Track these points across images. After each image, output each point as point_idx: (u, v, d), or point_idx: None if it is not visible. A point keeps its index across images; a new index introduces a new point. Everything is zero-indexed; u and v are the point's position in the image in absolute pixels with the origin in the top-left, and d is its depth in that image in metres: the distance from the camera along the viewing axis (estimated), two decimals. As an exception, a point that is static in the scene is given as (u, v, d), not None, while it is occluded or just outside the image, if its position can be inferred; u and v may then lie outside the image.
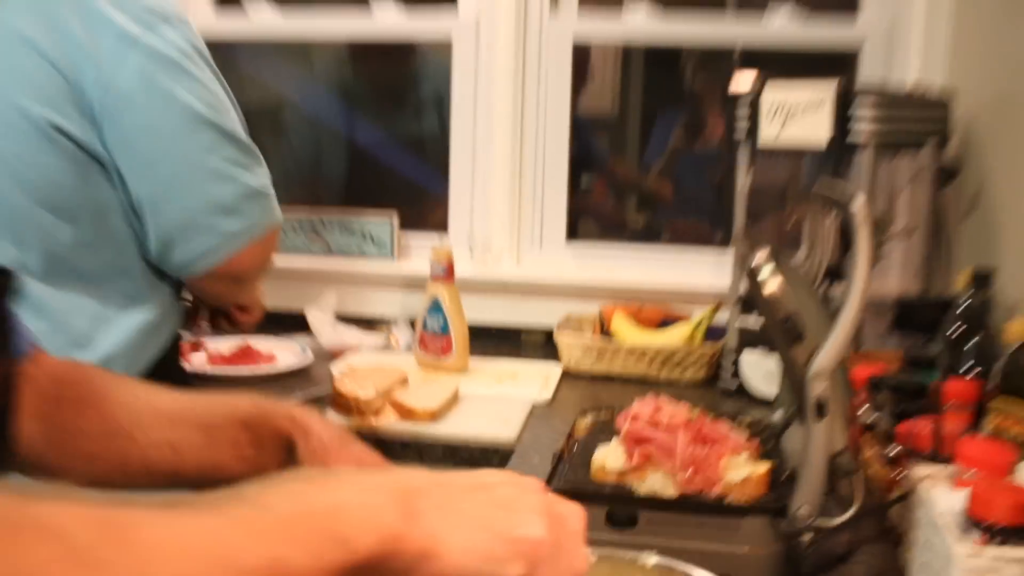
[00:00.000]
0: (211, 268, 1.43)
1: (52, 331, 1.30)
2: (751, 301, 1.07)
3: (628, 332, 2.08)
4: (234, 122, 1.45)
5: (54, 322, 1.33)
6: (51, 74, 1.30)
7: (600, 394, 1.94)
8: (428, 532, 0.57)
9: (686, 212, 2.85)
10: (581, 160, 2.58)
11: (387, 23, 2.43)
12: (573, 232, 2.43)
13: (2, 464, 0.82)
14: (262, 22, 2.48)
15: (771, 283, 1.06)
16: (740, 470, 1.14)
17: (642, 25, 2.31)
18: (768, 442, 1.27)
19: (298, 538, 0.51)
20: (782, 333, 1.06)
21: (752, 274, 1.07)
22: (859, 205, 1.06)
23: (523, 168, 2.35)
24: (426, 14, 2.40)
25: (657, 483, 1.13)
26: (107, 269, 1.41)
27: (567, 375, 2.06)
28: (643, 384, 2.02)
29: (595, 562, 0.86)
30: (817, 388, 1.05)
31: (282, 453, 0.98)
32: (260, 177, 1.46)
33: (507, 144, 2.32)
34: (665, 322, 2.15)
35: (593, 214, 2.81)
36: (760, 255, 1.08)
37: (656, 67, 2.95)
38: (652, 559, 0.89)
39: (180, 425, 0.97)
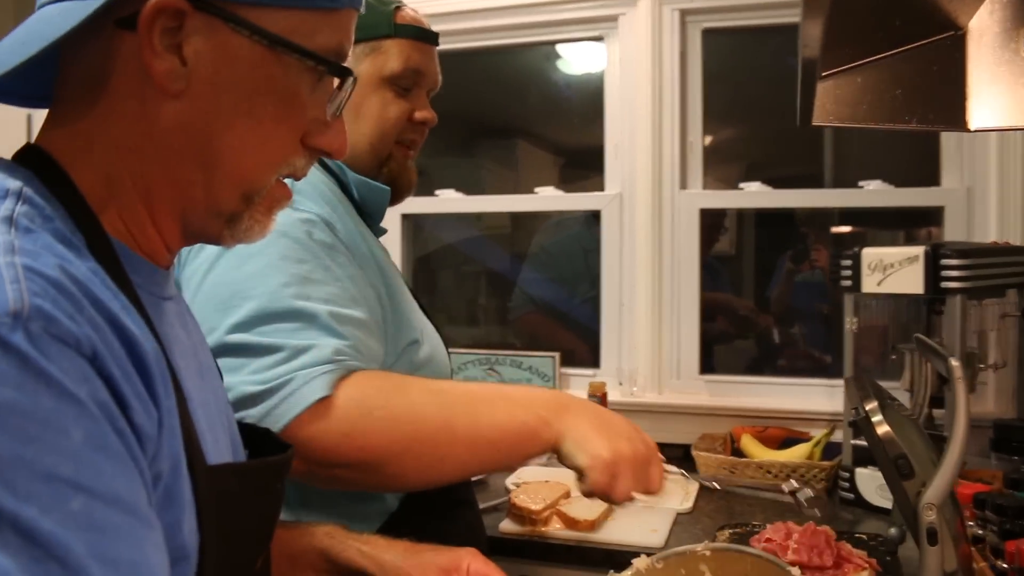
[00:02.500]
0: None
1: None
2: (867, 442, 1.05)
3: (755, 449, 2.04)
4: (255, 316, 1.05)
5: None
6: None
7: (734, 505, 1.89)
8: None
9: (798, 340, 2.80)
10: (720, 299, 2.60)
11: (548, 199, 2.52)
12: (708, 365, 2.41)
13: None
14: (449, 201, 2.62)
15: (881, 427, 1.04)
16: (863, 586, 1.10)
17: (755, 196, 2.34)
18: (883, 557, 1.23)
19: None
20: (894, 470, 1.03)
21: (865, 419, 1.06)
22: (954, 365, 1.04)
23: (662, 313, 2.37)
24: (579, 191, 2.48)
25: (790, 597, 1.10)
26: None
27: (704, 487, 2.02)
28: (770, 495, 1.96)
29: (661, 568, 0.83)
30: (928, 518, 1.02)
31: None
32: (258, 376, 1.02)
33: (648, 294, 2.35)
34: (787, 441, 2.10)
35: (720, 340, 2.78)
36: (871, 404, 1.06)
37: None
38: (707, 549, 0.84)
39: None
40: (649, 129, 2.33)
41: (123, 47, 0.63)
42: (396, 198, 1.35)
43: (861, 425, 1.05)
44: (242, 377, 1.01)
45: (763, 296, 2.88)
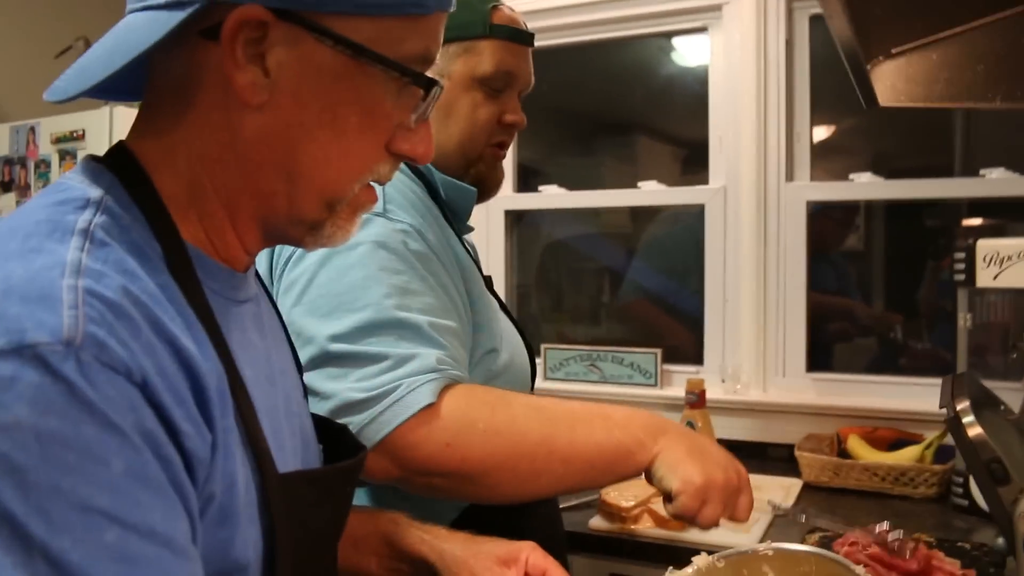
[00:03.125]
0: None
1: None
2: (957, 444, 0.99)
3: (862, 451, 1.96)
4: (358, 326, 1.06)
5: None
6: (268, 265, 1.17)
7: (836, 507, 1.83)
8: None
9: (922, 338, 2.65)
10: (838, 291, 2.50)
11: (651, 194, 2.49)
12: (816, 363, 2.32)
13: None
14: (552, 196, 2.62)
15: (973, 428, 0.98)
16: (954, 597, 1.04)
17: (866, 187, 2.24)
18: (987, 569, 1.15)
19: None
20: (987, 475, 0.97)
21: (955, 420, 1.00)
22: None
23: (767, 309, 2.30)
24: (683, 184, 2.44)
25: (873, 605, 1.05)
26: None
27: (808, 488, 1.96)
28: (877, 498, 1.88)
29: (722, 567, 0.81)
30: None
31: (424, 571, 0.94)
32: (363, 383, 1.03)
33: (752, 289, 2.29)
34: (898, 442, 2.01)
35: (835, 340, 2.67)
36: (963, 403, 1.00)
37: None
38: (769, 549, 0.81)
39: None
40: (754, 120, 2.27)
41: (207, 58, 0.63)
42: (482, 197, 1.34)
43: (951, 426, 0.99)
44: (347, 384, 1.03)
45: (893, 294, 2.74)
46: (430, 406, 1.02)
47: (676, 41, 2.64)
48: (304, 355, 1.04)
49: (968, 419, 0.99)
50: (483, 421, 1.05)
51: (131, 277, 0.57)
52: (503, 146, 1.34)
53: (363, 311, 1.06)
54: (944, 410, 1.01)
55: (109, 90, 0.67)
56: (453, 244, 1.28)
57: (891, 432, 2.06)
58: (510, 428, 1.06)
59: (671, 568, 0.89)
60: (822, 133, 2.49)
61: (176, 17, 0.60)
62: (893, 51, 0.85)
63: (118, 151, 0.67)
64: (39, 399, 0.49)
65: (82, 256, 0.56)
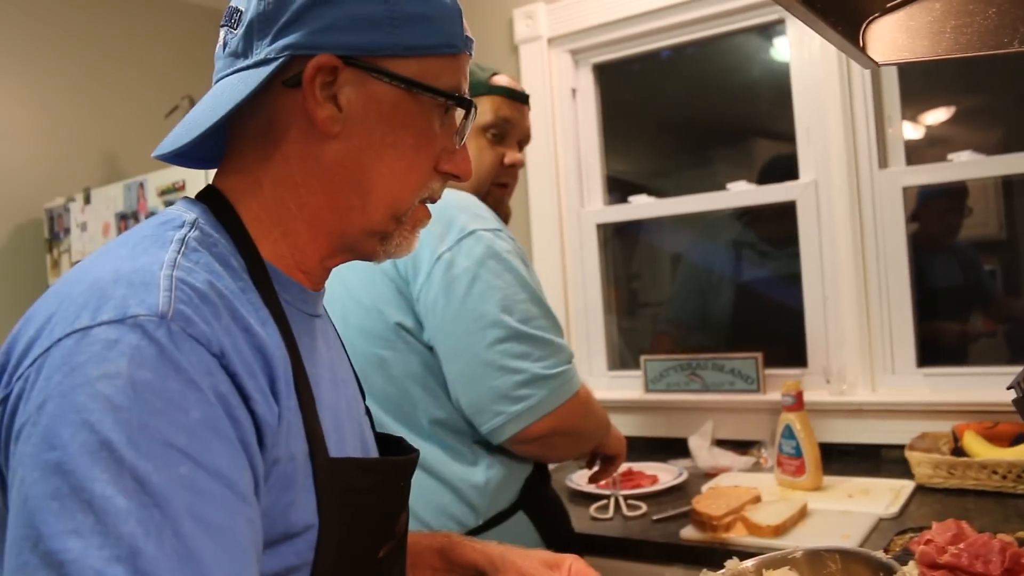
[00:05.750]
0: (507, 440, 1.41)
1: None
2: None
3: (980, 448, 1.83)
4: (527, 318, 1.40)
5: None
6: (395, 288, 1.42)
7: (949, 510, 1.71)
8: None
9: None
10: (971, 287, 2.37)
11: (740, 194, 2.43)
12: (931, 357, 2.19)
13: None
14: (641, 208, 2.59)
15: (1043, 405, 0.90)
16: (1044, 594, 0.95)
17: (965, 167, 2.10)
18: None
19: None
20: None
21: (1020, 389, 0.92)
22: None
23: (869, 303, 2.19)
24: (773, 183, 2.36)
25: (951, 605, 0.97)
26: (453, 434, 1.46)
27: (921, 490, 1.84)
28: (998, 498, 1.75)
29: (750, 567, 0.77)
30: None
31: None
32: (548, 363, 1.40)
33: (851, 284, 2.19)
34: (1021, 437, 1.86)
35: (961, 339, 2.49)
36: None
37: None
38: (799, 551, 0.77)
39: None
40: (839, 107, 2.18)
41: (289, 102, 0.78)
42: None
43: (1019, 406, 0.91)
44: (532, 364, 1.39)
45: None
46: (577, 391, 1.44)
47: (777, 40, 2.56)
48: (491, 335, 1.37)
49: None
50: (592, 403, 1.57)
51: (217, 276, 0.71)
52: (506, 186, 1.64)
53: (527, 303, 1.41)
54: (1014, 388, 0.93)
55: (191, 156, 0.83)
56: None
57: (1014, 426, 1.90)
58: (597, 415, 1.60)
59: (705, 571, 0.86)
60: (925, 122, 2.37)
61: (264, 72, 0.76)
62: (889, 5, 0.79)
63: (208, 189, 0.83)
64: (136, 356, 0.61)
65: (178, 257, 0.69)
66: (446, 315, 1.39)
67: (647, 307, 3.01)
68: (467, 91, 0.85)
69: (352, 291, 1.46)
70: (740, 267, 2.70)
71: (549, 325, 1.44)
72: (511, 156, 1.61)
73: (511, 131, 1.61)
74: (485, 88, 1.58)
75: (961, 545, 1.00)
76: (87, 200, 2.80)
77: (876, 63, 0.84)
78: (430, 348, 1.43)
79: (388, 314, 1.43)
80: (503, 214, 1.61)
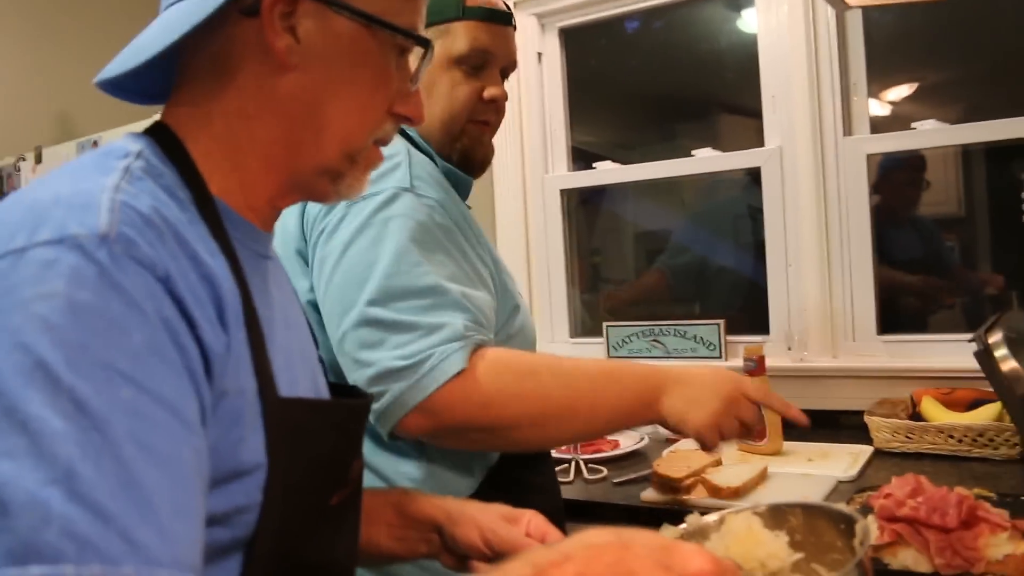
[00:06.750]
0: (389, 433, 1.16)
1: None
2: (989, 379, 0.91)
3: (937, 413, 1.85)
4: (389, 296, 1.14)
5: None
6: (301, 261, 1.25)
7: (906, 472, 1.72)
8: None
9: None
10: (931, 261, 2.40)
11: (705, 160, 2.42)
12: (891, 324, 2.21)
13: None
14: (605, 173, 2.58)
15: (1007, 363, 0.91)
16: (1000, 548, 0.96)
17: (930, 135, 2.11)
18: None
19: None
20: (1020, 411, 0.89)
21: (985, 352, 0.92)
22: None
23: (831, 271, 2.20)
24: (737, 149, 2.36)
25: (909, 559, 0.99)
26: None
27: (879, 454, 1.86)
28: (954, 461, 1.77)
29: (712, 521, 0.77)
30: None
31: (432, 535, 1.01)
32: (403, 352, 1.12)
33: (815, 251, 2.20)
34: (976, 402, 1.88)
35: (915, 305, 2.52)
36: (995, 335, 0.92)
37: (998, 163, 2.57)
38: (761, 506, 0.77)
39: None
40: (805, 75, 2.18)
41: (244, 32, 0.75)
42: (473, 173, 1.40)
43: (981, 359, 0.92)
44: (384, 353, 1.12)
45: (1000, 257, 2.55)
46: (463, 371, 1.11)
47: (746, 12, 2.54)
48: (346, 322, 1.14)
49: (1001, 352, 0.91)
50: (514, 385, 1.15)
51: (163, 204, 0.67)
52: (488, 123, 1.40)
53: (396, 278, 1.15)
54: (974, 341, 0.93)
55: (133, 90, 0.81)
56: (469, 217, 1.34)
57: (970, 392, 1.93)
58: (538, 393, 1.17)
59: (665, 524, 0.85)
60: (889, 98, 2.39)
61: (217, 1, 0.72)
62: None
63: (155, 125, 0.78)
64: (75, 277, 0.58)
65: (121, 182, 0.66)
66: (322, 299, 1.21)
67: (608, 282, 3.01)
68: (422, 30, 0.83)
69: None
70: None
71: (428, 302, 1.15)
72: (491, 90, 1.35)
73: (491, 60, 1.35)
74: (457, 11, 1.33)
75: (919, 498, 1.00)
76: (38, 159, 2.73)
77: (846, 4, 0.83)
78: None
79: (300, 293, 1.21)
80: (480, 156, 1.38)
